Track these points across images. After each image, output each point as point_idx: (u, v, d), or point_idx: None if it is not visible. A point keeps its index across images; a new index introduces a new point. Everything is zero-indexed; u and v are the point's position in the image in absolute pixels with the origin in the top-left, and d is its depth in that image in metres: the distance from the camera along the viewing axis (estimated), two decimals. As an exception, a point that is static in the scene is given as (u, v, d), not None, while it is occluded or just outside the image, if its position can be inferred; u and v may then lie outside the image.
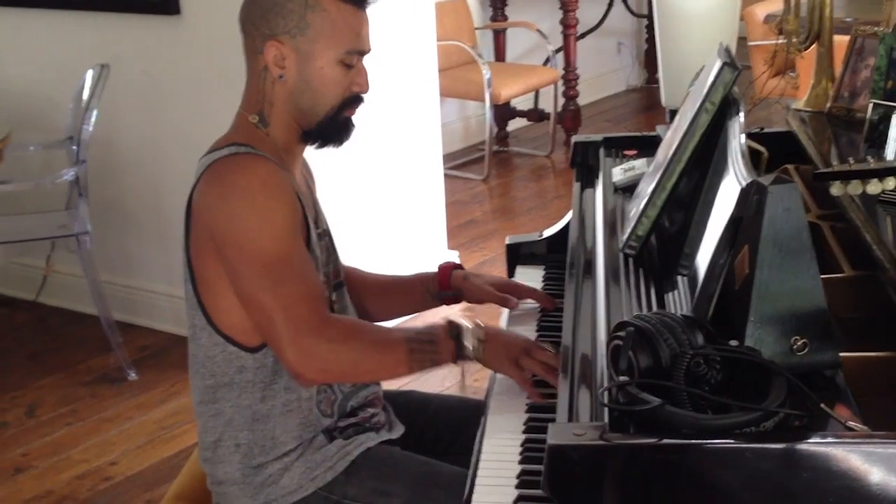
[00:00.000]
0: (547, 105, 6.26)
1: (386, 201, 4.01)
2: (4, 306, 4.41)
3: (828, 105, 2.22)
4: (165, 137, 3.90)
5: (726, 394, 1.29)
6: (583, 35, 6.52)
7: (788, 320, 1.34)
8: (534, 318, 2.12)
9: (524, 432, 1.74)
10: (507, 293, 2.12)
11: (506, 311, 2.14)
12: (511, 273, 2.40)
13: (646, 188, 1.86)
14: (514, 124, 6.50)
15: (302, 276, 1.81)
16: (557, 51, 6.20)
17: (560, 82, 6.15)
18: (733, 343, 1.33)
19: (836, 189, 1.61)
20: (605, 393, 1.31)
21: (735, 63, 1.73)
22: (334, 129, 1.89)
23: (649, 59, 7.53)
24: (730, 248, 1.43)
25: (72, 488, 3.17)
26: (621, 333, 1.34)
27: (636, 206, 1.84)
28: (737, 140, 1.61)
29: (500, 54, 6.36)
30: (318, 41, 1.81)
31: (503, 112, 6.28)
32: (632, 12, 7.35)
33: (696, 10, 2.22)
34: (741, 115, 1.67)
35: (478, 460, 1.68)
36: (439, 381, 3.51)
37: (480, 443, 1.75)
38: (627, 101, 7.37)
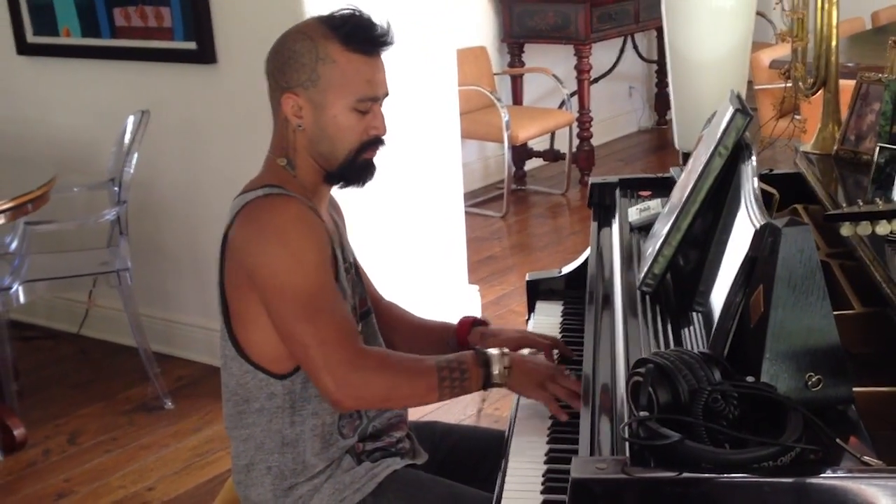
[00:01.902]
0: (562, 146, 6.26)
1: (410, 238, 4.00)
2: (50, 339, 4.42)
3: (835, 148, 2.20)
4: (202, 179, 3.91)
5: (744, 429, 1.27)
6: (596, 80, 6.52)
7: (803, 357, 1.32)
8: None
9: (546, 462, 1.73)
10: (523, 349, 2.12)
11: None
12: (531, 307, 2.39)
13: (661, 228, 1.84)
14: (531, 164, 6.50)
15: (334, 310, 1.82)
16: (572, 94, 6.20)
17: (575, 124, 6.15)
18: (750, 379, 1.31)
19: (846, 230, 1.59)
20: (626, 428, 1.29)
21: (746, 109, 1.72)
22: (355, 171, 1.90)
23: (659, 102, 7.53)
24: (745, 287, 1.41)
25: (111, 513, 3.16)
26: (641, 370, 1.32)
27: (652, 246, 1.83)
28: (750, 183, 1.59)
29: (517, 98, 6.36)
30: (330, 91, 1.82)
31: (520, 152, 6.28)
32: (642, 58, 7.35)
33: (707, 58, 2.21)
34: (753, 159, 1.65)
35: (502, 488, 1.66)
36: (462, 408, 3.49)
37: (504, 471, 1.74)
38: (639, 141, 7.36)
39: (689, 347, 1.60)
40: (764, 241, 1.36)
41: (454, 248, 4.29)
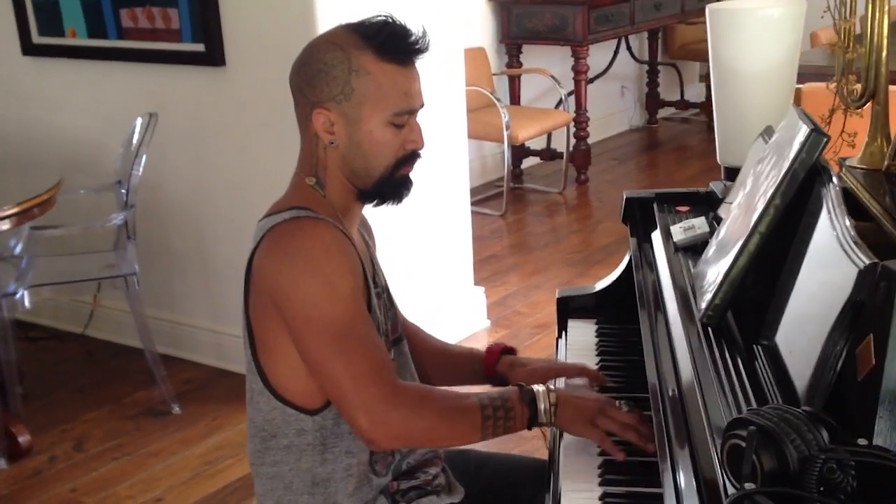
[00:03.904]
0: (559, 144, 6.05)
1: (417, 239, 3.78)
2: (54, 339, 4.17)
3: (885, 163, 1.99)
4: (210, 182, 3.67)
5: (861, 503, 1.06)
6: (591, 80, 6.30)
7: (921, 417, 1.11)
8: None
9: (600, 498, 1.52)
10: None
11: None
12: (563, 327, 2.17)
13: (721, 253, 1.62)
14: (527, 162, 6.28)
15: (368, 343, 1.59)
16: (569, 94, 5.99)
17: (571, 124, 5.93)
18: (862, 442, 1.10)
19: (938, 263, 1.37)
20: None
21: (821, 129, 1.50)
22: (391, 187, 1.67)
23: (650, 102, 7.34)
24: (848, 335, 1.19)
25: (120, 526, 2.93)
26: (741, 432, 1.10)
27: (714, 273, 1.61)
28: (836, 212, 1.37)
29: (515, 98, 6.14)
30: (365, 105, 1.59)
31: (518, 151, 6.07)
32: (635, 58, 7.15)
33: (754, 70, 1.99)
34: (836, 183, 1.44)
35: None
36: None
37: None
38: (630, 140, 7.15)
39: (765, 387, 1.39)
40: (875, 285, 1.14)
41: (460, 249, 4.07)
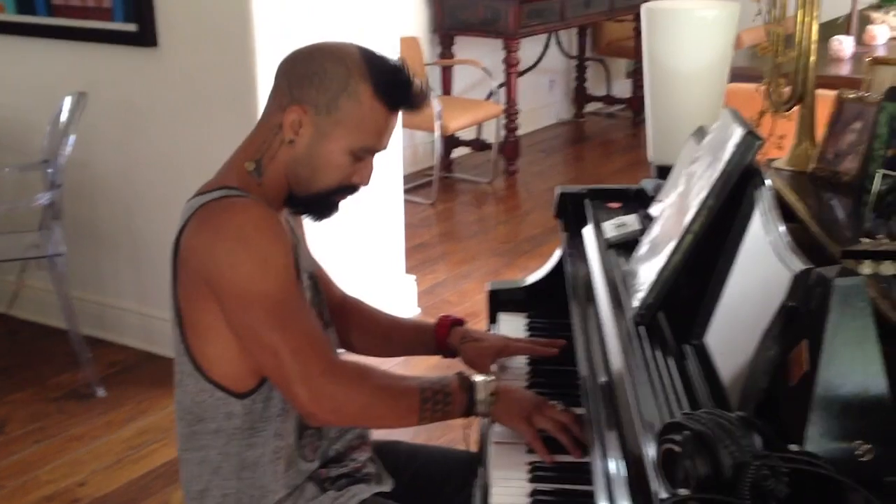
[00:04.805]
0: (488, 135, 6.02)
1: (349, 227, 3.70)
2: (-24, 318, 4.02)
3: (811, 166, 1.98)
4: (140, 163, 3.55)
5: (792, 509, 1.03)
6: (522, 73, 6.28)
7: (852, 422, 1.09)
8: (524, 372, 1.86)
9: (529, 494, 1.49)
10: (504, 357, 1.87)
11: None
12: (493, 320, 2.13)
13: (654, 252, 1.60)
14: (457, 152, 6.24)
15: (304, 318, 1.56)
16: (500, 86, 5.96)
17: (502, 115, 5.91)
18: (793, 448, 1.08)
19: (867, 268, 1.36)
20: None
21: (755, 131, 1.48)
22: (320, 206, 1.65)
23: (577, 96, 7.34)
24: (781, 338, 1.17)
25: (40, 511, 2.82)
26: (676, 437, 1.07)
27: (646, 271, 1.58)
28: (770, 214, 1.35)
29: (447, 88, 6.09)
30: (340, 126, 1.56)
31: (449, 141, 6.01)
32: (564, 53, 7.15)
33: (687, 70, 1.97)
34: (768, 186, 1.41)
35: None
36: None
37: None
38: (558, 133, 7.14)
39: (695, 386, 1.37)
40: (810, 291, 1.12)
41: (393, 237, 4.02)
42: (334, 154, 1.57)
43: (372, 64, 1.57)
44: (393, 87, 1.57)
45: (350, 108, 1.55)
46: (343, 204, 1.66)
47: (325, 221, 1.68)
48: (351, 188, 1.63)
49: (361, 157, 1.59)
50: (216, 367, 1.60)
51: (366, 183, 1.63)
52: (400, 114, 1.61)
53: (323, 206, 1.64)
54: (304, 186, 1.61)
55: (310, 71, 1.56)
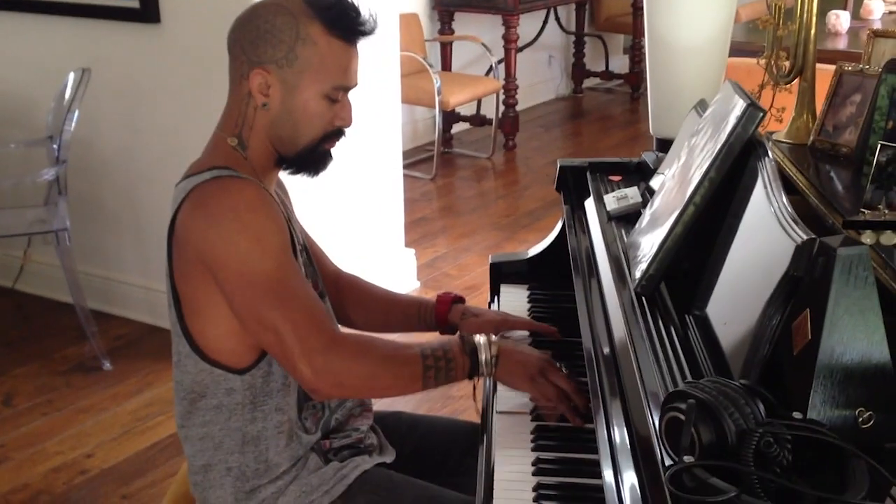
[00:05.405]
0: (488, 111, 6.00)
1: (349, 201, 3.70)
2: (-18, 292, 4.02)
3: (811, 138, 1.97)
4: (143, 139, 3.54)
5: (795, 476, 1.03)
6: (521, 49, 6.24)
7: (854, 390, 1.08)
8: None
9: (535, 473, 1.48)
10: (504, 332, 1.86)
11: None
12: (495, 292, 2.12)
13: (656, 224, 1.59)
14: (457, 127, 6.22)
15: (303, 294, 1.54)
16: (499, 62, 5.93)
17: (501, 91, 5.88)
18: (797, 415, 1.07)
19: (868, 237, 1.36)
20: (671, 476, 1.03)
21: (757, 103, 1.47)
22: (312, 160, 1.63)
23: (576, 72, 7.31)
24: (784, 308, 1.16)
25: (48, 482, 2.82)
26: (680, 405, 1.06)
27: (648, 243, 1.57)
28: (772, 186, 1.34)
29: (446, 64, 6.05)
30: (305, 74, 1.54)
31: (448, 116, 6.00)
32: (563, 29, 7.11)
33: (688, 43, 1.95)
34: (771, 158, 1.40)
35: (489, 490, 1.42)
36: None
37: (489, 474, 1.49)
38: (556, 108, 7.12)
39: (697, 357, 1.36)
40: (813, 261, 1.11)
41: (392, 211, 4.00)
42: (309, 103, 1.56)
43: (315, 4, 1.55)
44: (341, 18, 1.55)
45: (308, 53, 1.54)
46: (335, 152, 1.64)
47: (323, 175, 1.65)
48: (336, 132, 1.62)
49: (336, 98, 1.58)
50: (214, 345, 1.59)
51: (348, 123, 1.61)
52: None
53: (315, 159, 1.62)
54: (291, 145, 1.59)
55: (259, 30, 1.54)
